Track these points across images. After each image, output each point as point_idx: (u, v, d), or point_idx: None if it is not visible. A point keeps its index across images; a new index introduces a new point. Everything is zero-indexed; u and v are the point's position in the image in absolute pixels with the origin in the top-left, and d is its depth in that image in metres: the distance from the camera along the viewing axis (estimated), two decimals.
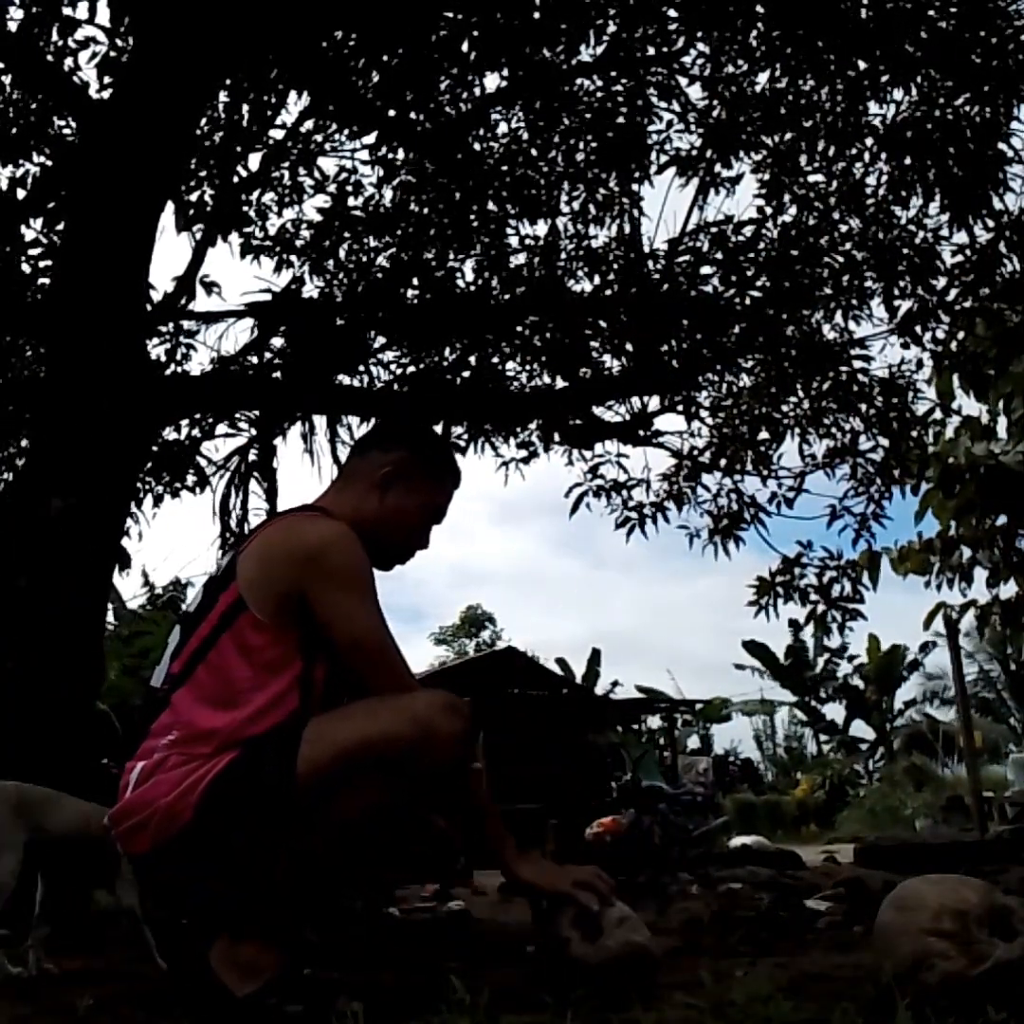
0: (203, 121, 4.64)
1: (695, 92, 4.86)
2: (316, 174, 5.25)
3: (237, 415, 5.26)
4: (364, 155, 5.14)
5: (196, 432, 5.35)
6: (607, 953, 1.73)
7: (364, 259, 5.25)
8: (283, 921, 1.73)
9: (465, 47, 4.48)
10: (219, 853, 1.67)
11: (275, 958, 1.69)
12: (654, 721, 22.84)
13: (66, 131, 4.62)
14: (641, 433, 5.71)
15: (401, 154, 5.01)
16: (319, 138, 5.21)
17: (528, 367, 5.46)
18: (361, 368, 5.33)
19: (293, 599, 1.76)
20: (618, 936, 1.75)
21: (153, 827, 1.68)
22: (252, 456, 5.47)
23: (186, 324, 5.30)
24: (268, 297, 4.98)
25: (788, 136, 4.81)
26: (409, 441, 2.08)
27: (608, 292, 5.16)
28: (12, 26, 4.20)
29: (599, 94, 4.85)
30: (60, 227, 4.58)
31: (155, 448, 5.04)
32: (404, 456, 2.01)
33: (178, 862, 1.69)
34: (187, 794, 1.66)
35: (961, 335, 5.75)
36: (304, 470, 5.60)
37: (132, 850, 1.72)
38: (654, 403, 5.62)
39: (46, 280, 4.65)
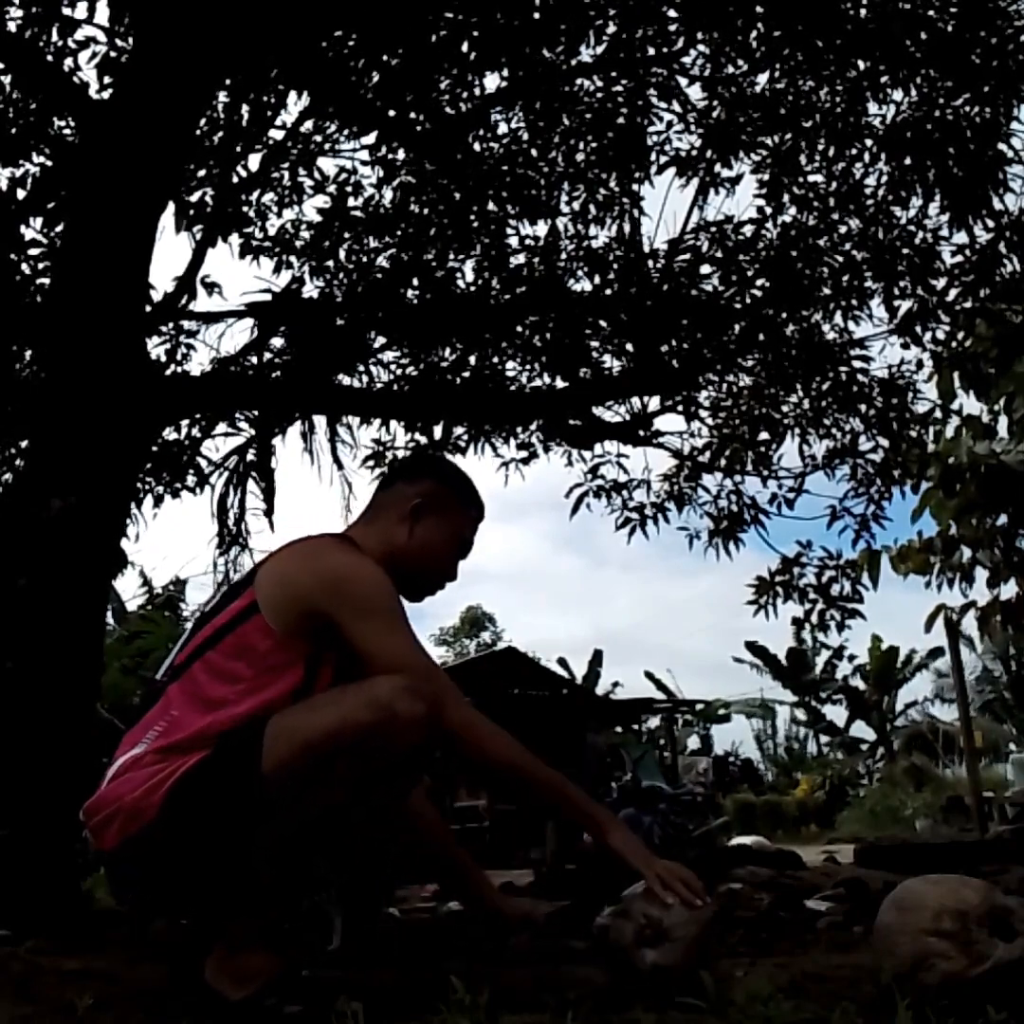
0: (203, 121, 4.63)
1: (695, 92, 4.86)
2: (316, 174, 5.25)
3: (237, 415, 5.26)
4: (364, 155, 5.14)
5: (196, 432, 5.34)
6: (644, 965, 1.72)
7: (364, 259, 5.25)
8: (270, 921, 1.72)
9: (465, 47, 4.48)
10: (182, 851, 1.66)
11: (270, 961, 1.69)
12: (654, 721, 22.86)
13: (66, 131, 4.62)
14: (641, 433, 5.71)
15: (401, 154, 5.00)
16: (319, 138, 5.20)
17: (528, 367, 5.46)
18: (361, 368, 5.33)
19: (312, 620, 1.79)
20: (668, 953, 1.73)
21: (119, 823, 1.68)
22: (251, 456, 5.47)
23: (186, 324, 5.29)
24: (268, 297, 4.98)
25: (788, 136, 4.80)
26: (436, 473, 2.13)
27: (608, 292, 5.15)
28: (12, 26, 4.20)
29: (599, 94, 4.84)
30: (60, 227, 4.57)
31: (155, 448, 5.04)
32: (432, 488, 2.05)
33: (142, 859, 1.69)
34: (153, 792, 1.66)
35: (961, 335, 5.76)
36: (303, 470, 5.60)
37: (101, 846, 1.72)
38: (654, 403, 5.62)
39: (46, 280, 4.64)
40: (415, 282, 5.16)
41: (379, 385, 5.37)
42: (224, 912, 1.72)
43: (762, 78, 4.71)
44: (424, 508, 2.01)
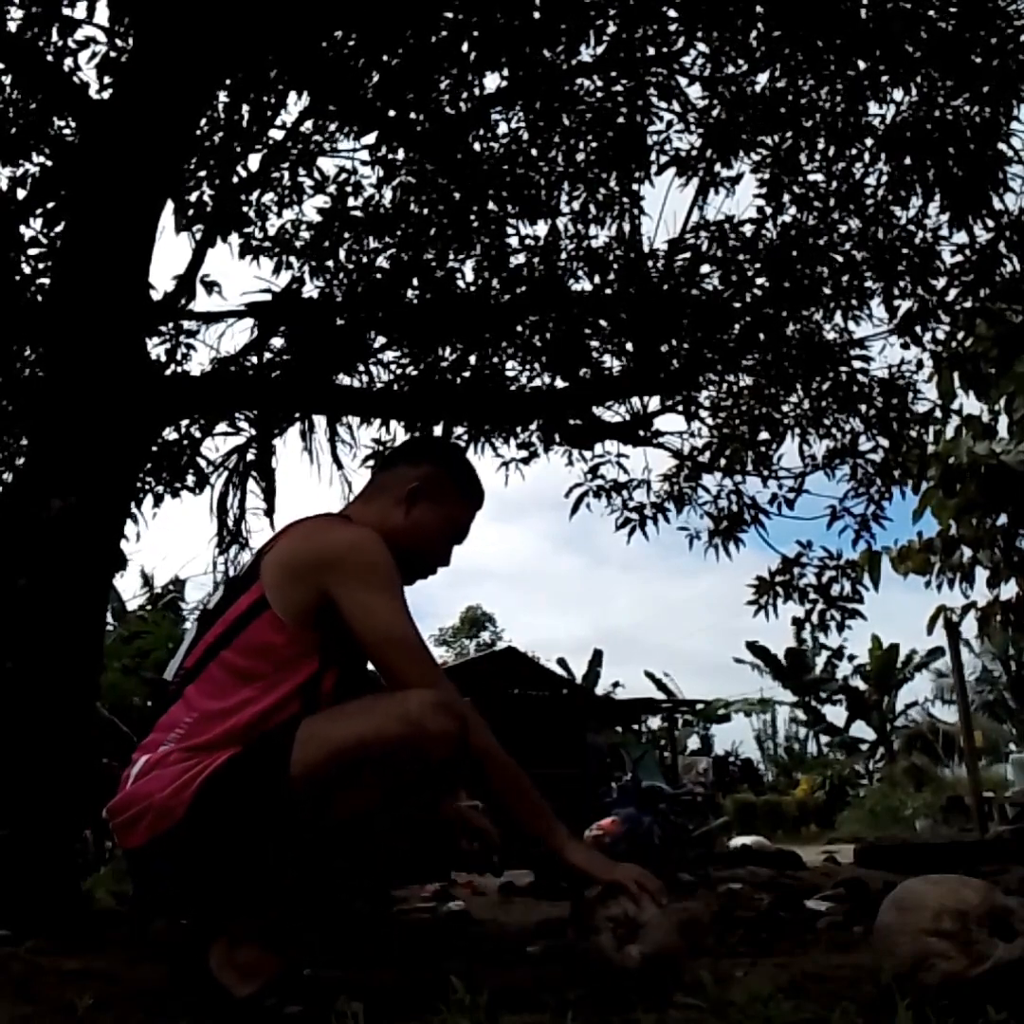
0: (203, 121, 4.63)
1: (695, 92, 4.85)
2: (316, 174, 5.25)
3: (237, 415, 5.25)
4: (364, 155, 5.14)
5: (196, 432, 5.34)
6: (632, 962, 1.72)
7: (364, 259, 5.25)
8: (281, 923, 1.73)
9: (465, 47, 4.48)
10: (210, 851, 1.67)
11: (274, 959, 1.69)
12: (654, 721, 22.86)
13: (66, 131, 4.62)
14: (641, 433, 5.70)
15: (401, 154, 5.00)
16: (319, 138, 5.20)
17: (528, 367, 5.45)
18: (361, 368, 5.33)
19: (317, 601, 1.79)
20: (649, 941, 1.74)
21: (147, 821, 1.69)
22: (251, 456, 5.47)
23: (186, 324, 5.29)
24: (268, 297, 4.98)
25: (788, 136, 4.80)
26: (438, 458, 2.13)
27: (608, 292, 5.15)
28: (12, 26, 4.20)
29: (599, 94, 4.84)
30: (60, 227, 4.57)
31: (155, 448, 5.04)
32: (432, 472, 2.06)
33: (170, 858, 1.69)
34: (182, 790, 1.67)
35: (961, 335, 5.76)
36: (302, 470, 5.60)
37: (128, 844, 1.73)
38: (654, 403, 5.62)
39: (46, 280, 4.64)
40: (415, 282, 5.16)
41: (379, 385, 5.37)
42: (239, 909, 1.72)
43: (762, 78, 4.71)
44: (422, 491, 2.02)
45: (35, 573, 3.26)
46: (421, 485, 2.01)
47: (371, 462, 5.76)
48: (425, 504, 2.02)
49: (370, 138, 4.90)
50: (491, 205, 5.09)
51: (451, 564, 2.13)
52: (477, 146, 5.01)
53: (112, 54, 4.34)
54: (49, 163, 4.63)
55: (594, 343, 5.26)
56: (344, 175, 5.21)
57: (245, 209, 5.24)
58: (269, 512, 5.53)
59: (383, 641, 1.79)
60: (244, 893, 1.71)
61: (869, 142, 4.74)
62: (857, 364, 5.45)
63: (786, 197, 4.97)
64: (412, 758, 1.65)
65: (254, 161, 5.09)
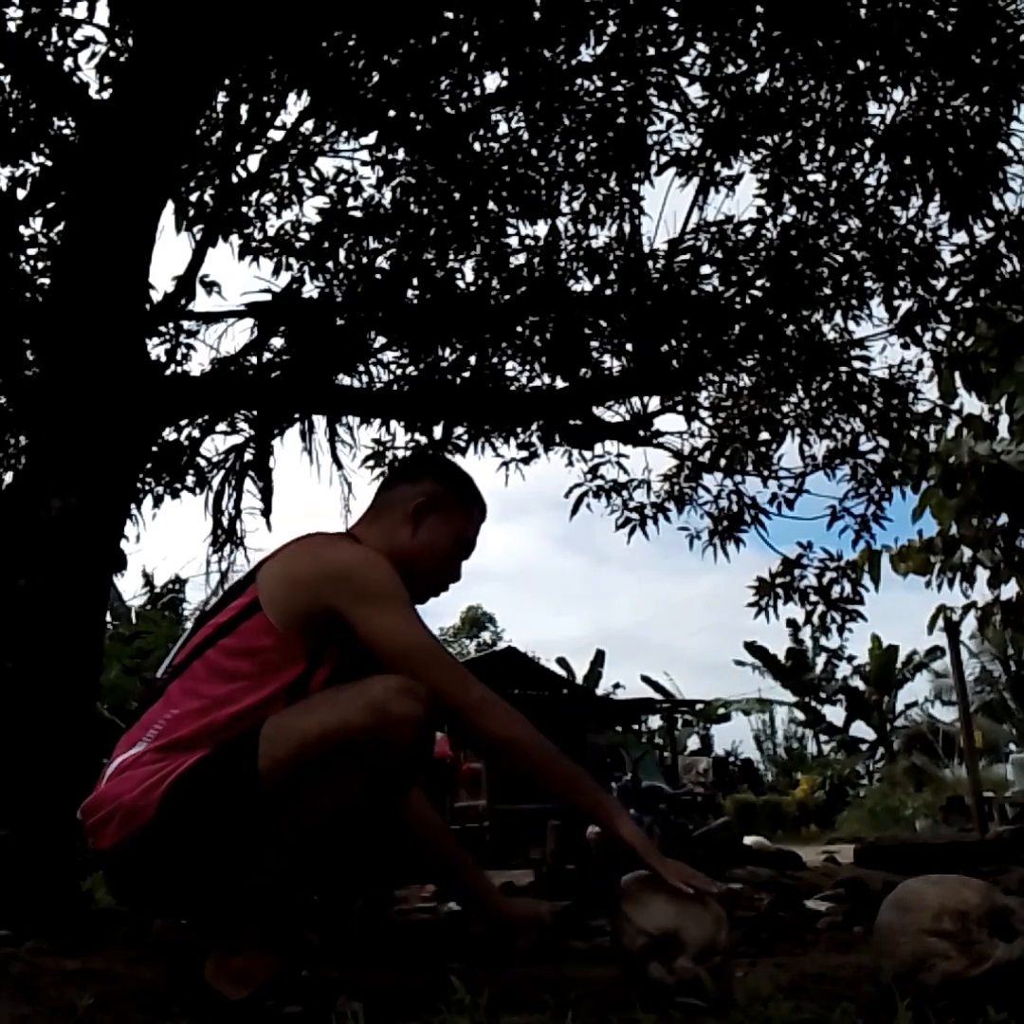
0: (203, 121, 4.63)
1: (695, 92, 4.86)
2: (315, 175, 5.26)
3: (236, 415, 5.25)
4: (364, 156, 5.14)
5: (195, 432, 5.34)
6: (688, 973, 1.66)
7: (364, 259, 5.25)
8: (269, 923, 1.72)
9: (465, 47, 4.48)
10: (180, 852, 1.66)
11: (269, 962, 1.68)
12: (654, 721, 22.87)
13: (66, 131, 4.62)
14: (641, 433, 5.70)
15: (401, 154, 5.00)
16: (318, 139, 5.20)
17: (528, 367, 5.45)
18: (361, 368, 5.33)
19: (316, 615, 1.78)
20: (692, 943, 1.68)
21: (116, 823, 1.68)
22: (248, 455, 5.46)
23: (186, 324, 5.29)
24: (268, 297, 4.98)
25: (788, 136, 4.80)
26: (437, 473, 2.12)
27: (608, 292, 5.15)
28: (12, 26, 4.20)
29: (599, 94, 4.84)
30: (60, 227, 4.58)
31: (155, 448, 5.04)
32: (434, 488, 2.05)
33: (140, 859, 1.68)
34: (151, 791, 1.66)
35: (961, 335, 5.76)
36: (301, 470, 5.59)
37: (99, 845, 1.71)
38: (654, 403, 5.62)
39: (46, 280, 4.65)
40: (415, 282, 5.16)
41: (379, 385, 5.37)
42: (221, 912, 1.72)
43: (762, 78, 4.71)
44: (426, 508, 2.01)
45: (35, 573, 3.26)
46: (426, 501, 2.01)
47: (370, 463, 5.76)
48: (431, 520, 2.01)
49: (370, 138, 4.90)
50: (491, 205, 5.09)
51: (461, 578, 2.10)
52: (477, 146, 5.01)
53: (112, 54, 4.35)
54: (49, 163, 4.64)
55: (594, 343, 5.26)
56: (344, 175, 5.21)
57: (245, 209, 5.24)
58: (266, 512, 5.52)
59: (404, 657, 1.76)
60: (218, 893, 1.69)
61: (869, 142, 4.74)
62: (857, 364, 5.46)
63: (786, 197, 4.97)
64: (378, 746, 1.63)
65: (254, 161, 5.09)
